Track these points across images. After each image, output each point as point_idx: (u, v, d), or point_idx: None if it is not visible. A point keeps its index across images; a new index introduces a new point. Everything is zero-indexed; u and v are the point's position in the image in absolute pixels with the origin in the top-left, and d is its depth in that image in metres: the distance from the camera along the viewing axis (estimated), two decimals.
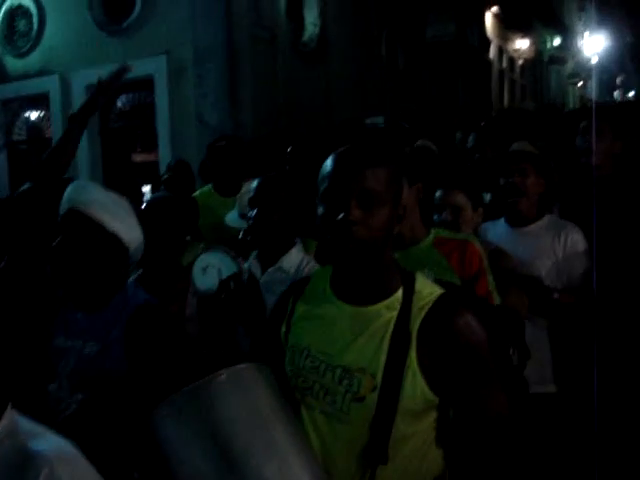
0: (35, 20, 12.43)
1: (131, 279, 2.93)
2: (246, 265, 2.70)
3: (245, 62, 11.18)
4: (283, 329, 1.96)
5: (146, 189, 12.78)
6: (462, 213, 3.29)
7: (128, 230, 2.50)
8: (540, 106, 25.89)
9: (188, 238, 3.46)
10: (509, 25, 27.53)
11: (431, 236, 2.95)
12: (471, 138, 4.84)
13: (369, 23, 15.97)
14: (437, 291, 1.85)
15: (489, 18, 25.05)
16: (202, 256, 2.44)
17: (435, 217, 3.33)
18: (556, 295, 3.33)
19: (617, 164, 3.95)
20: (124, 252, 2.50)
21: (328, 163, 1.87)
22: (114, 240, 2.46)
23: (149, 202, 3.40)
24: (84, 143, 12.21)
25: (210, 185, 5.29)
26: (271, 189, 2.98)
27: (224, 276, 2.29)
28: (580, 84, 48.32)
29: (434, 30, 19.14)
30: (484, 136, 4.74)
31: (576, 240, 3.45)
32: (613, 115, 4.03)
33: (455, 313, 1.77)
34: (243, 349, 2.27)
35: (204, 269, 2.39)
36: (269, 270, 2.93)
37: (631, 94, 68.43)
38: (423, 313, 1.78)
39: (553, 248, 3.42)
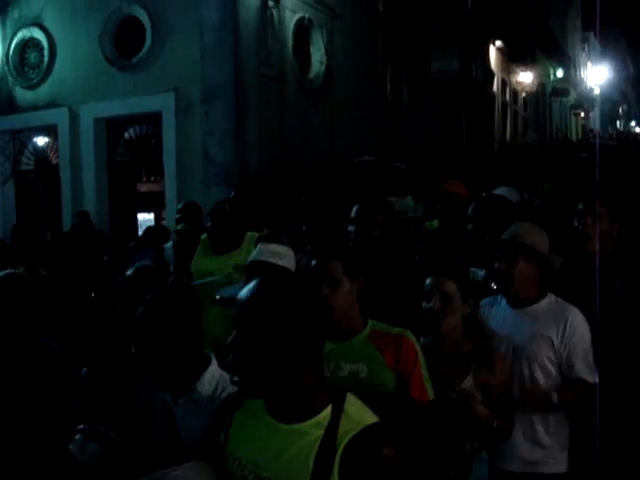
0: (46, 53, 12.63)
1: None
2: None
3: (252, 100, 11.35)
4: (222, 437, 2.02)
5: (149, 217, 13.07)
6: (451, 302, 3.18)
7: None
8: (542, 141, 26.04)
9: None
10: (513, 58, 27.77)
11: (367, 329, 2.96)
12: (471, 208, 4.74)
13: (374, 59, 16.18)
14: (367, 419, 1.87)
15: (493, 52, 25.29)
16: None
17: (424, 304, 3.24)
18: (555, 398, 3.29)
19: (616, 246, 3.99)
20: None
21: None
22: None
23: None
24: (91, 175, 12.40)
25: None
26: (165, 315, 2.43)
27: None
28: (582, 115, 48.55)
29: (438, 65, 19.35)
30: (483, 208, 4.63)
31: (577, 325, 3.36)
32: (611, 196, 4.05)
33: (379, 446, 1.81)
34: None
35: None
36: (180, 401, 2.48)
37: (633, 124, 68.78)
38: (348, 437, 1.82)
39: (552, 332, 3.36)
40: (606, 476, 3.40)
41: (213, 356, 2.57)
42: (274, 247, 3.93)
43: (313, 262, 3.01)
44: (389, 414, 2.01)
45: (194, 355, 2.47)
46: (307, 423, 1.86)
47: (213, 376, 2.48)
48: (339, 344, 2.94)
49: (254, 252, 3.92)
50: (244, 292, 1.88)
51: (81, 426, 2.48)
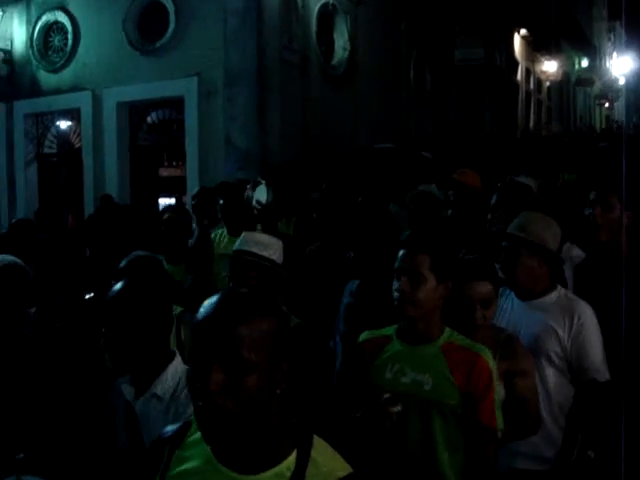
0: (70, 36, 12.68)
1: None
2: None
3: (275, 86, 11.32)
4: None
5: (171, 201, 13.10)
6: (492, 306, 3.04)
7: None
8: (567, 130, 25.82)
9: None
10: (537, 47, 27.54)
11: (443, 337, 2.77)
12: (494, 197, 4.66)
13: (398, 47, 16.08)
14: (338, 470, 1.57)
15: (517, 40, 25.08)
16: None
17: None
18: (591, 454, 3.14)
19: (628, 236, 3.87)
20: None
21: (198, 316, 1.55)
22: None
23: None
24: (113, 159, 12.44)
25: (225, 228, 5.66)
26: (136, 297, 2.36)
27: None
28: (607, 105, 48.04)
29: (462, 53, 19.22)
30: (508, 197, 4.54)
31: (585, 321, 3.24)
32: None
33: None
34: None
35: None
36: (145, 396, 2.40)
37: None
38: None
39: (558, 326, 3.25)
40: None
41: (177, 352, 2.50)
42: (258, 236, 3.81)
43: (401, 252, 2.82)
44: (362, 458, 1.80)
45: (161, 343, 2.41)
46: (266, 474, 1.55)
47: (176, 370, 2.40)
48: (410, 347, 2.78)
49: (237, 241, 3.79)
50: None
51: (20, 455, 2.31)
